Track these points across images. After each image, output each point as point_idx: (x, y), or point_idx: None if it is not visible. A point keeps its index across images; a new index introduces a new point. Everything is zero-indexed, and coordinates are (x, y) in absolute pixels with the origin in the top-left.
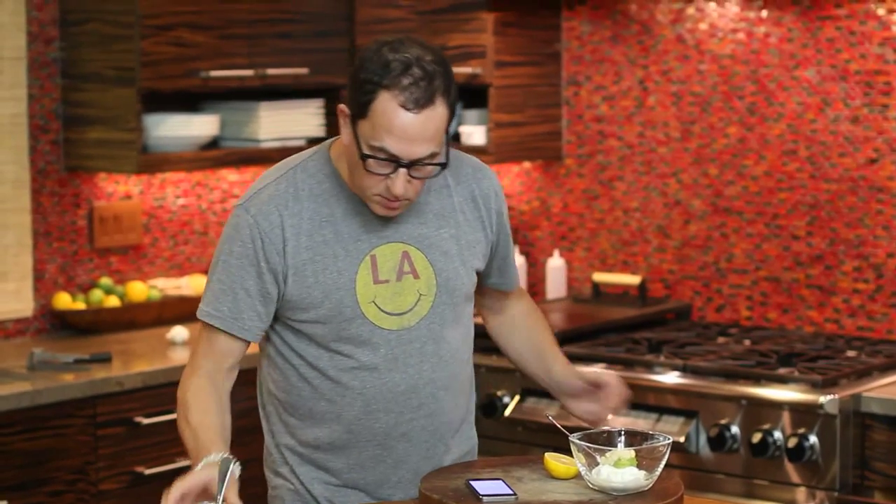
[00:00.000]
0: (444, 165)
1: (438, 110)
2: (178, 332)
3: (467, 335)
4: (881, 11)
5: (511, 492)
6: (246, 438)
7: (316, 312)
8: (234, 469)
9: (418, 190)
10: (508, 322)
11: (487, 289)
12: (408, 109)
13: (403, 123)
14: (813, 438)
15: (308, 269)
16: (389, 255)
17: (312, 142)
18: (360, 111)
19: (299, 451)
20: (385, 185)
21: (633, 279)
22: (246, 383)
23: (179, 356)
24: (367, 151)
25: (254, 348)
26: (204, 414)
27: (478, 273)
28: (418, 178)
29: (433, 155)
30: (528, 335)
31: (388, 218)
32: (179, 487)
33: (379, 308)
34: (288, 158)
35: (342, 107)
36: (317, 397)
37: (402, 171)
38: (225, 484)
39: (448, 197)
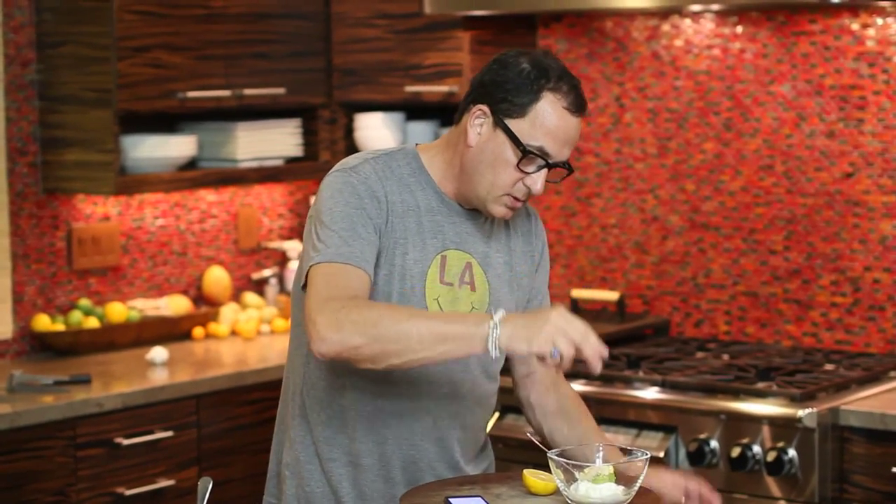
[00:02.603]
0: (571, 171)
1: (582, 119)
2: (158, 352)
3: (501, 363)
4: (855, 26)
5: None
6: (226, 459)
7: (386, 292)
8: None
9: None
10: (556, 405)
11: None
12: (571, 112)
13: (566, 125)
14: (792, 452)
15: (396, 248)
16: (457, 261)
17: (290, 161)
18: (518, 111)
19: (330, 451)
20: (522, 183)
21: (611, 295)
22: (225, 404)
23: (159, 377)
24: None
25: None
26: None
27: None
28: (549, 181)
29: (567, 160)
30: (581, 425)
31: (459, 227)
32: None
33: (440, 307)
34: (366, 150)
35: (482, 107)
36: (359, 389)
37: (545, 170)
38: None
39: (505, 227)
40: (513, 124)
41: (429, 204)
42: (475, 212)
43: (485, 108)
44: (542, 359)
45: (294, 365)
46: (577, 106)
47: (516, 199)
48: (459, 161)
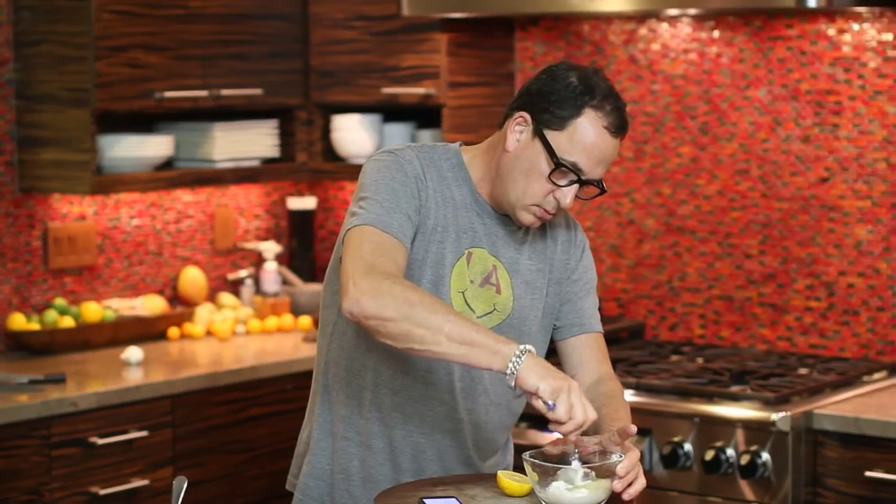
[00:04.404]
0: (603, 191)
1: (621, 141)
2: (133, 352)
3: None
4: (831, 32)
5: None
6: (201, 459)
7: (416, 277)
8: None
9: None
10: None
11: (570, 349)
12: (610, 132)
13: (603, 144)
14: (765, 455)
15: (433, 236)
16: (482, 260)
17: (267, 162)
18: (558, 124)
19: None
20: (552, 196)
21: None
22: (200, 404)
23: (134, 376)
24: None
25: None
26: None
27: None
28: (580, 198)
29: (601, 179)
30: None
31: (490, 228)
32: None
33: (465, 300)
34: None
35: (524, 114)
36: (377, 371)
37: (576, 186)
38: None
39: (542, 236)
40: (551, 136)
41: (464, 200)
42: (508, 217)
43: (526, 115)
44: (536, 400)
45: (320, 345)
46: (618, 127)
47: (546, 210)
48: (496, 164)
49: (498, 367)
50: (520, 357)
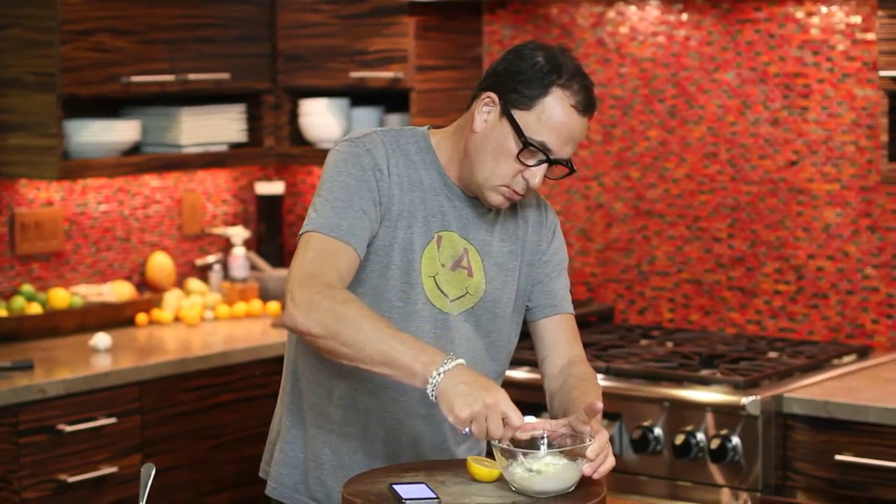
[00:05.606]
0: (572, 170)
1: (589, 119)
2: (101, 338)
3: (498, 353)
4: (800, 14)
5: (434, 495)
6: (169, 446)
7: (386, 265)
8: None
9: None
10: (558, 386)
11: (542, 330)
12: (578, 111)
13: (571, 123)
14: (735, 439)
15: (399, 222)
16: (452, 244)
17: (234, 147)
18: (526, 103)
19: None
20: (521, 176)
21: None
22: (169, 390)
23: (102, 363)
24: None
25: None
26: (386, 322)
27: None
28: (549, 178)
29: (569, 159)
30: (568, 396)
31: (461, 211)
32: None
33: (436, 284)
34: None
35: (491, 94)
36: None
37: (545, 165)
38: (146, 490)
39: (514, 217)
40: (519, 116)
41: (432, 184)
42: (478, 200)
43: (494, 95)
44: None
45: (291, 333)
46: (585, 106)
47: (514, 191)
48: (464, 146)
49: (419, 387)
50: (436, 380)
